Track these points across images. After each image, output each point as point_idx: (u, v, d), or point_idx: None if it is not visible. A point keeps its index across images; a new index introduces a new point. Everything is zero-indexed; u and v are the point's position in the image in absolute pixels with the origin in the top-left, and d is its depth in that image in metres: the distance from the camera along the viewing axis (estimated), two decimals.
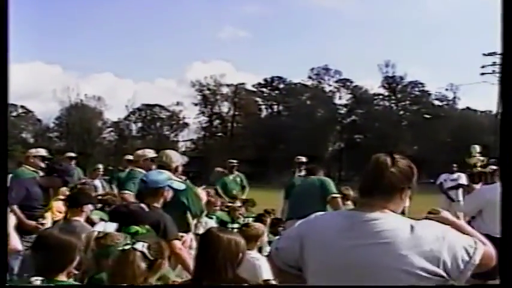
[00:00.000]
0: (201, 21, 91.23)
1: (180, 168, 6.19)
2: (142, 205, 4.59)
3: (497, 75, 51.90)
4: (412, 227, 2.27)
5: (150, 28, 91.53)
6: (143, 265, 2.82)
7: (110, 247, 3.44)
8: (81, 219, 5.11)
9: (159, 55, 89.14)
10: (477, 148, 7.17)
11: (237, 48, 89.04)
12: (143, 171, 6.27)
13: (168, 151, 6.47)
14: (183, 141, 71.85)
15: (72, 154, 12.47)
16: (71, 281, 3.04)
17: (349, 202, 8.35)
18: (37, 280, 2.83)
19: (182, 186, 5.21)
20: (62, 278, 2.94)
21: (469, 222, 8.90)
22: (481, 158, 7.04)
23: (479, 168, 6.89)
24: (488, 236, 5.74)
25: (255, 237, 4.96)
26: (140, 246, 2.86)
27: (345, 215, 2.52)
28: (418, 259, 2.18)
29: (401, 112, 70.98)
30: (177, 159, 6.19)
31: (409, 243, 2.21)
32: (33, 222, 5.89)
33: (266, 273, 4.18)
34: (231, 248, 2.97)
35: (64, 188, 7.08)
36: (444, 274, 2.19)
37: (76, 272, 3.23)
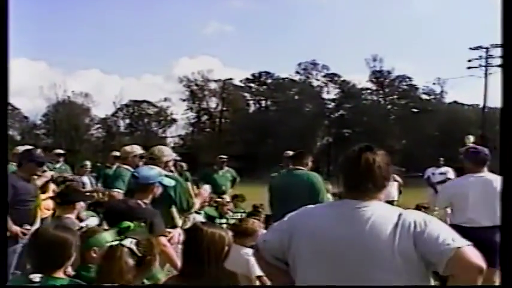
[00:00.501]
0: (187, 16, 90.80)
1: (171, 164, 6.17)
2: (139, 201, 4.59)
3: (484, 69, 52.28)
4: (400, 213, 2.33)
5: (135, 24, 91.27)
6: (131, 261, 2.80)
7: (91, 238, 3.51)
8: (72, 216, 5.08)
9: (145, 51, 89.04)
10: (471, 138, 7.26)
11: (223, 43, 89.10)
12: (130, 168, 6.26)
13: (160, 146, 6.50)
14: (171, 137, 71.68)
15: (61, 151, 12.31)
16: (69, 279, 3.02)
17: (329, 195, 8.33)
18: (36, 277, 2.83)
19: (172, 183, 5.21)
20: (60, 274, 2.94)
21: None
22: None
23: None
24: (456, 226, 5.79)
25: (250, 233, 4.97)
26: (128, 242, 2.86)
27: (335, 205, 2.59)
28: (406, 242, 2.23)
29: (389, 106, 71.16)
30: (169, 153, 6.19)
31: (397, 228, 2.26)
32: (18, 228, 5.84)
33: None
34: (215, 242, 2.94)
35: (53, 186, 7.04)
36: (426, 256, 2.23)
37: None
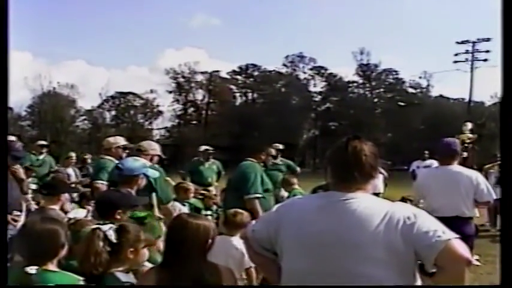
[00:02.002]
0: (173, 8, 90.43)
1: (156, 159, 6.13)
2: (130, 190, 4.56)
3: (470, 63, 52.55)
4: (387, 206, 2.33)
5: (121, 14, 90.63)
6: (101, 244, 2.83)
7: (80, 232, 3.47)
8: (56, 207, 5.03)
9: (131, 42, 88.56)
10: (469, 125, 7.32)
11: (209, 35, 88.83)
12: (114, 160, 6.20)
13: (150, 141, 6.56)
14: (158, 129, 71.49)
15: (44, 142, 12.12)
16: (62, 273, 2.99)
17: (296, 187, 8.31)
18: (32, 269, 2.81)
19: (156, 174, 5.17)
20: (52, 266, 2.92)
21: None
22: (471, 135, 7.20)
23: (466, 145, 7.10)
24: None
25: (240, 225, 4.95)
26: (107, 227, 2.87)
27: (321, 196, 2.58)
28: (393, 235, 2.22)
29: (376, 99, 71.36)
30: (156, 148, 6.16)
31: (384, 221, 2.25)
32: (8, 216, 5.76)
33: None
34: (199, 234, 2.90)
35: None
36: (416, 249, 2.22)
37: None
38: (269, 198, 6.50)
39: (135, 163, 4.94)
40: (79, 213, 6.18)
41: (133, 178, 4.78)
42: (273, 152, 6.70)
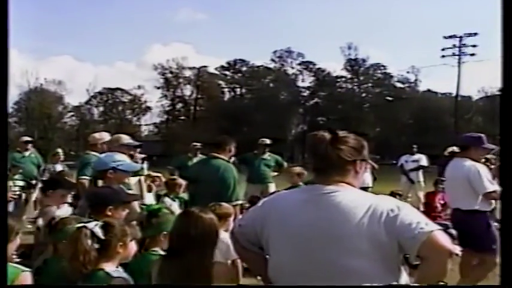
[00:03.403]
0: (158, 3, 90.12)
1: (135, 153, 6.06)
2: (121, 186, 4.52)
3: (457, 57, 52.85)
4: (371, 199, 2.33)
5: (106, 10, 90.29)
6: (89, 242, 2.82)
7: (63, 229, 3.46)
8: (53, 205, 4.96)
9: (117, 37, 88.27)
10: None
11: (196, 30, 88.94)
12: (98, 155, 6.15)
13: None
14: (146, 125, 71.43)
15: (28, 138, 11.54)
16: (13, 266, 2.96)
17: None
18: None
19: (134, 167, 5.13)
20: None
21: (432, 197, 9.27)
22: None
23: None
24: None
25: (224, 216, 4.98)
26: (92, 225, 2.86)
27: (304, 189, 2.60)
28: (377, 227, 2.23)
29: (364, 94, 71.63)
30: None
31: (368, 213, 2.25)
32: None
33: None
34: (210, 226, 3.00)
35: None
36: (399, 241, 2.23)
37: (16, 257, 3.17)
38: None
39: (105, 158, 4.92)
40: (63, 211, 6.13)
41: (103, 173, 4.74)
42: (233, 148, 6.45)
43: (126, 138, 6.07)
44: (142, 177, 6.03)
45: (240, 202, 6.03)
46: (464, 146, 6.03)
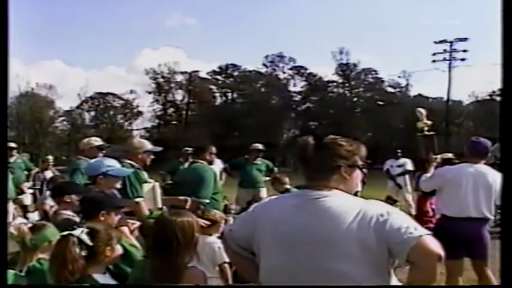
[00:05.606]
0: (148, 7, 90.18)
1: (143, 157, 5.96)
2: (114, 191, 4.52)
3: (448, 62, 53.10)
4: (361, 204, 2.35)
5: (97, 14, 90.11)
6: (77, 250, 2.83)
7: (39, 233, 3.48)
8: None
9: (107, 42, 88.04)
10: (423, 111, 7.23)
11: (186, 35, 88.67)
12: (88, 160, 6.11)
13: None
14: (137, 129, 71.20)
15: (13, 144, 11.08)
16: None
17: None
18: None
19: (125, 173, 5.09)
20: None
21: (424, 202, 9.05)
22: (428, 122, 7.12)
23: (426, 133, 7.01)
24: (445, 217, 5.79)
25: (214, 223, 4.98)
26: (78, 232, 2.87)
27: (295, 194, 2.64)
28: (366, 232, 2.24)
29: (355, 99, 71.78)
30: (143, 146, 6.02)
31: (357, 218, 2.27)
32: None
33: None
34: (185, 230, 2.95)
35: None
36: (388, 246, 2.24)
37: None
38: (219, 200, 6.47)
39: (95, 163, 4.91)
40: (30, 217, 6.06)
41: (93, 178, 4.75)
42: (214, 150, 6.59)
43: (147, 144, 5.98)
44: (156, 184, 5.97)
45: (207, 201, 6.04)
46: (479, 152, 5.89)
